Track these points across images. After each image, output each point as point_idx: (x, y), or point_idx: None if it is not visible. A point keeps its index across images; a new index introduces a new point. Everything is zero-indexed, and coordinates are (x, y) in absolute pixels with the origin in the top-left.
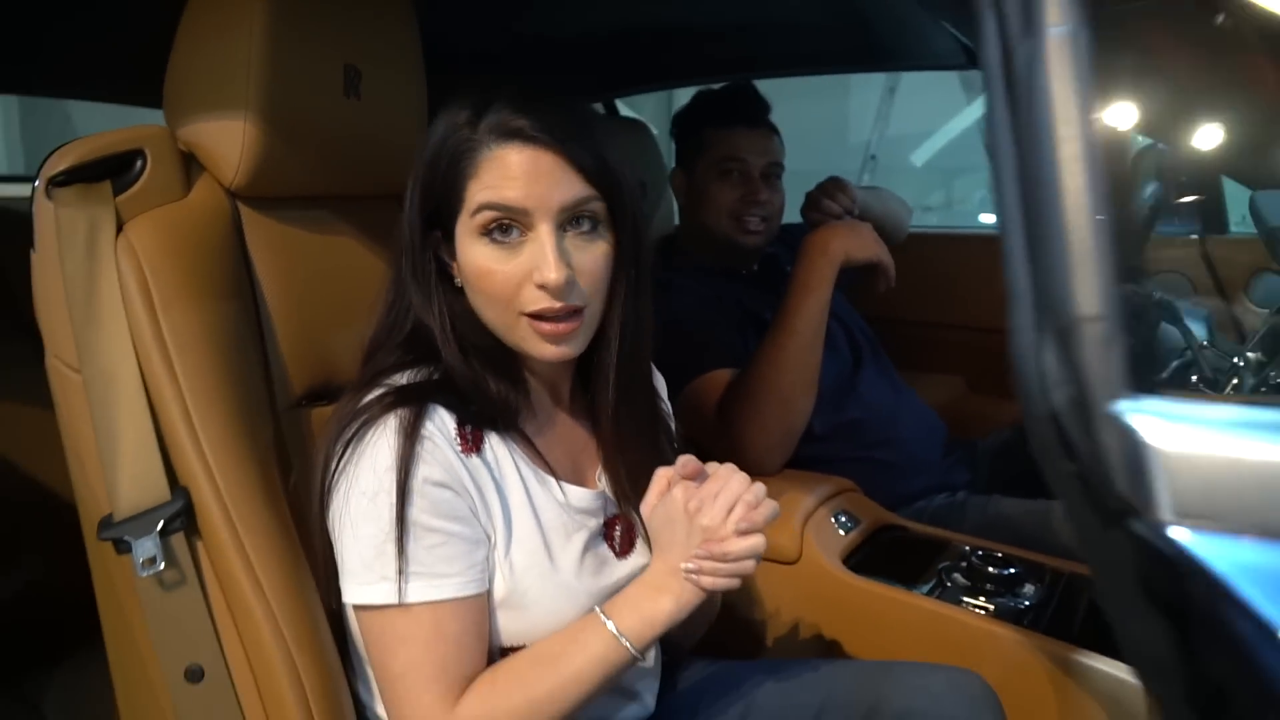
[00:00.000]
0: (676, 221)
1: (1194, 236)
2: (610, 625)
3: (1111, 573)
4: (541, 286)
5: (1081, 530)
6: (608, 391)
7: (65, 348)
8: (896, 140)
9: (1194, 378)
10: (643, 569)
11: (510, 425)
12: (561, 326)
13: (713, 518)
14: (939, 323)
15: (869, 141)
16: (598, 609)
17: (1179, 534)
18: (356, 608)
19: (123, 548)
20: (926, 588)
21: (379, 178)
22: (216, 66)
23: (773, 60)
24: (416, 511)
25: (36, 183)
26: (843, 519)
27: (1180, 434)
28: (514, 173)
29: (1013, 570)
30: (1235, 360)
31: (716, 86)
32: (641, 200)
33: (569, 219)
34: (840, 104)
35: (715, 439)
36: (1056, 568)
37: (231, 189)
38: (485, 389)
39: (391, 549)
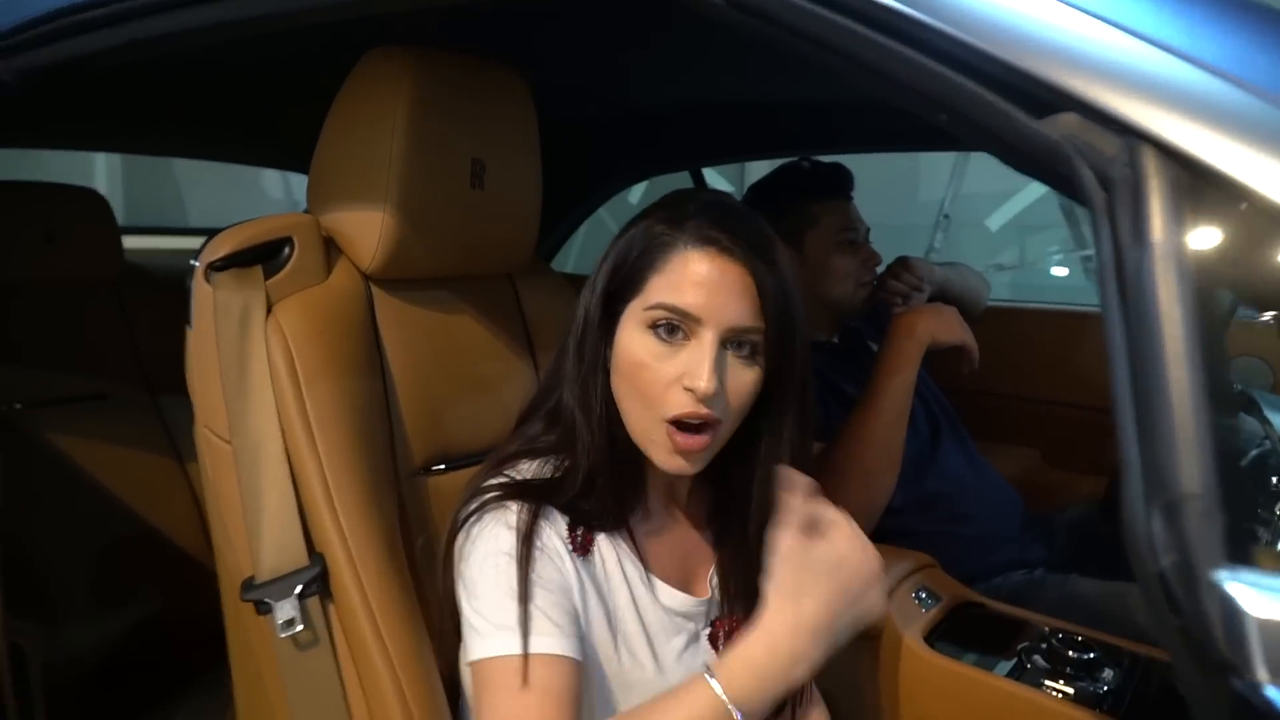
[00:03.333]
0: None
1: (1270, 319)
2: (717, 689)
3: (1210, 716)
4: (691, 390)
5: (1184, 675)
6: (734, 509)
7: (217, 419)
8: (969, 199)
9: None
10: None
11: (621, 526)
12: (694, 441)
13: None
14: (1014, 395)
15: (943, 200)
16: (706, 667)
17: (1274, 695)
18: (472, 664)
19: (263, 609)
20: (1006, 669)
21: (495, 260)
22: (360, 161)
23: (854, 137)
24: (531, 574)
25: (195, 263)
26: (923, 595)
27: (1275, 605)
28: (697, 279)
29: (1092, 654)
30: None
31: (803, 163)
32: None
33: (732, 339)
34: (911, 161)
35: None
36: (1134, 652)
37: (367, 273)
38: (604, 490)
39: (505, 603)
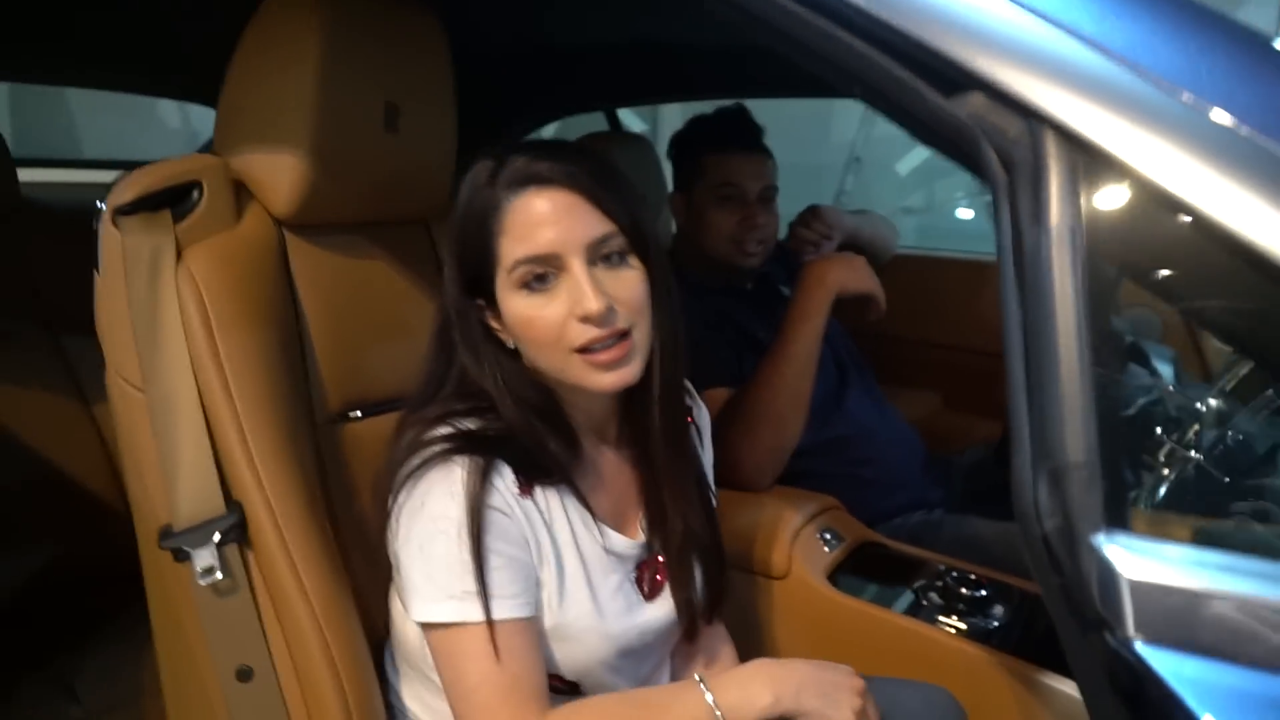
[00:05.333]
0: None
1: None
2: (709, 697)
3: (1086, 669)
4: (585, 319)
5: (1062, 631)
6: (653, 417)
7: (129, 367)
8: (880, 141)
9: (1159, 429)
10: (670, 613)
11: (561, 476)
12: (613, 353)
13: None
14: (919, 340)
15: (854, 142)
16: (698, 677)
17: (1142, 650)
18: (424, 625)
19: (181, 556)
20: (904, 605)
21: (410, 205)
22: (271, 103)
23: (767, 82)
24: (486, 537)
25: (101, 206)
26: (827, 536)
27: (1147, 567)
28: (538, 219)
29: (984, 592)
30: (1198, 405)
31: (711, 111)
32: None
33: (596, 255)
34: (825, 102)
35: None
36: (1024, 589)
37: (279, 218)
38: (541, 444)
39: (459, 570)
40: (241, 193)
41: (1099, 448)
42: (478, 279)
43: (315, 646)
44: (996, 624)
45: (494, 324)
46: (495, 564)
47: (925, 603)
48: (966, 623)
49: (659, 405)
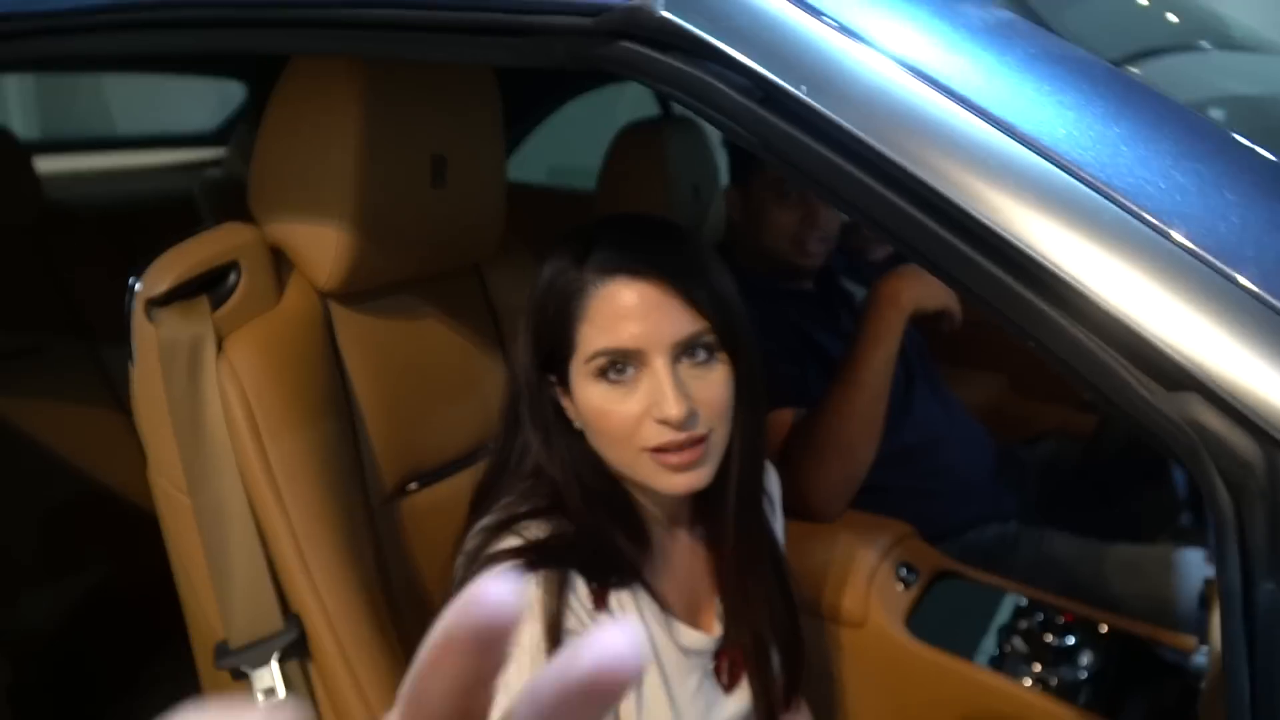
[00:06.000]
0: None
1: None
2: None
3: None
4: (663, 421)
5: None
6: (726, 519)
7: (172, 471)
8: None
9: None
10: (749, 704)
11: (634, 575)
12: (686, 455)
13: None
14: (983, 320)
15: None
16: None
17: None
18: None
19: (239, 676)
20: (987, 655)
21: (461, 254)
22: (309, 167)
23: None
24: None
25: (135, 287)
26: (903, 572)
27: None
28: (624, 311)
29: (1071, 639)
30: None
31: None
32: (698, 208)
33: (682, 352)
34: None
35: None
36: (1112, 625)
37: (323, 290)
38: (610, 543)
39: None
40: (281, 262)
41: None
42: (552, 356)
43: None
44: (1085, 675)
45: (565, 403)
46: None
47: (1010, 650)
48: (1054, 675)
49: (734, 509)
